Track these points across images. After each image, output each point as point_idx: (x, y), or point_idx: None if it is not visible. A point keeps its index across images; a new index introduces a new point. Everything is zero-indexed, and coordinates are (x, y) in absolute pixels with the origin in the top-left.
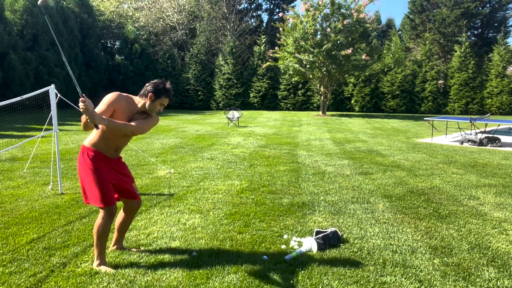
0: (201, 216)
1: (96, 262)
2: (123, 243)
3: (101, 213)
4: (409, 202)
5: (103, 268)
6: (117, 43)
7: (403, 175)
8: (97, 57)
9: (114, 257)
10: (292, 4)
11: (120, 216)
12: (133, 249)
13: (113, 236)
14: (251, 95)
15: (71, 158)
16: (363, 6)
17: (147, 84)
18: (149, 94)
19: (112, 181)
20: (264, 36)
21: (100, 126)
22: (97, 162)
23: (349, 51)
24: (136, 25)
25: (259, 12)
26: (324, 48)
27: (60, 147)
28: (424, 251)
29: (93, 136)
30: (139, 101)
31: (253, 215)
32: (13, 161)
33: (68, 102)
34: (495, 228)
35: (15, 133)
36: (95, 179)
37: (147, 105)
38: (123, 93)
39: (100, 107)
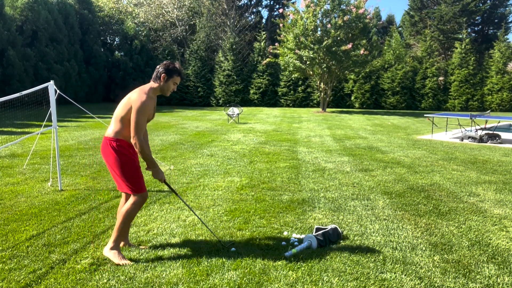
0: (201, 212)
1: (109, 245)
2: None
3: (134, 199)
4: (409, 199)
5: (116, 254)
6: (117, 39)
7: (403, 171)
8: (96, 54)
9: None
10: (293, 0)
11: (120, 209)
12: (141, 246)
13: None
14: (251, 91)
15: (71, 154)
16: (363, 2)
17: (158, 67)
18: (162, 75)
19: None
20: (264, 32)
21: (124, 120)
22: (125, 150)
23: (349, 46)
24: (135, 21)
25: (259, 8)
26: (324, 44)
27: (60, 143)
28: (424, 248)
29: (118, 126)
30: (155, 87)
31: (253, 211)
32: (12, 157)
33: (68, 98)
34: (495, 225)
35: (14, 129)
36: (129, 167)
37: (161, 85)
38: (145, 91)
39: (141, 117)
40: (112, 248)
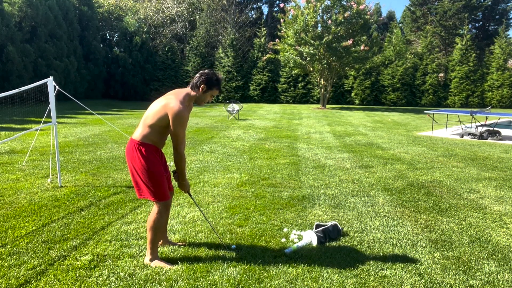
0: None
1: (148, 257)
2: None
3: (157, 208)
4: (409, 195)
5: (157, 263)
6: (116, 35)
7: (403, 168)
8: (96, 50)
9: (113, 250)
10: None
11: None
12: (179, 243)
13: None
14: (251, 88)
15: (70, 151)
16: None
17: (198, 75)
18: (202, 86)
19: (164, 173)
20: (264, 29)
21: (155, 126)
22: (152, 156)
23: (350, 42)
24: (135, 17)
25: (259, 4)
26: (324, 40)
27: (59, 139)
28: (424, 245)
29: (146, 130)
30: (192, 95)
31: (253, 208)
32: (12, 153)
33: (67, 94)
34: (496, 221)
35: (13, 125)
36: (152, 174)
37: (198, 95)
38: (180, 99)
39: (181, 130)
40: (151, 260)
